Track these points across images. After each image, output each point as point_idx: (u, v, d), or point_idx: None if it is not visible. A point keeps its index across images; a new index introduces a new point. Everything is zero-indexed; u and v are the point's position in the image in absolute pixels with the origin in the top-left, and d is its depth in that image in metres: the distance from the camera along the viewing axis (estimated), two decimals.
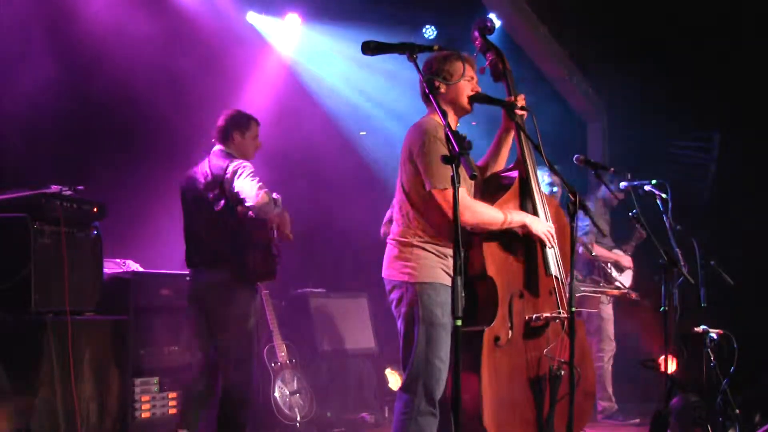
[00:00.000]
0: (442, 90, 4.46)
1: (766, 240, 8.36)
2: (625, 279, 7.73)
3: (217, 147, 5.68)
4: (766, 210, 8.34)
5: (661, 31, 8.79)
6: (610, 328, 7.77)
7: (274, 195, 5.42)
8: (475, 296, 4.51)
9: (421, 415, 4.24)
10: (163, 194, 6.42)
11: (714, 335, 6.20)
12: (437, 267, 4.30)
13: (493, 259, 4.49)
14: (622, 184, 6.72)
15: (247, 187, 5.32)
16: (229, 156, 5.58)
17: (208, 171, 5.53)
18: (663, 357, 5.83)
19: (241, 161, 5.51)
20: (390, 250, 4.44)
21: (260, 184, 5.34)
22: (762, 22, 8.08)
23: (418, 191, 4.33)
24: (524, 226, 4.48)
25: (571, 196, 4.31)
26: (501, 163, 4.85)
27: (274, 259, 5.62)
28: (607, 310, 7.74)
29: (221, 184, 5.43)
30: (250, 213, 5.39)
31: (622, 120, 10.10)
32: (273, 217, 5.46)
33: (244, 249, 5.43)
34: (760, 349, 7.32)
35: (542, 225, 4.54)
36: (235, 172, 5.40)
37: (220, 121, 5.72)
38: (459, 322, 3.38)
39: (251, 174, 5.39)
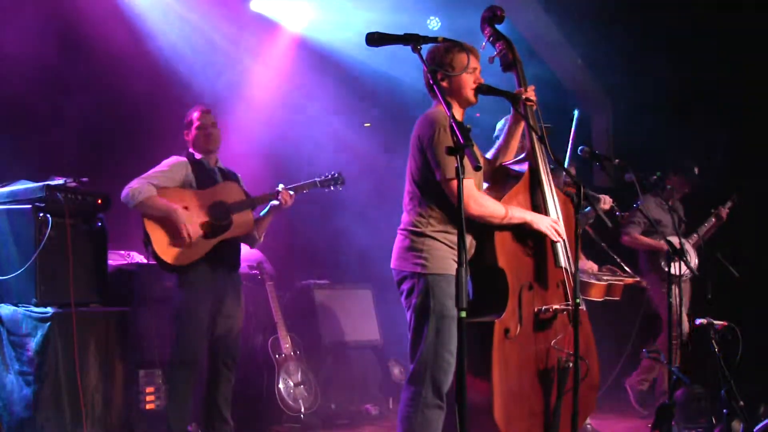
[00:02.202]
0: (445, 83, 4.46)
1: None
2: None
3: None
4: None
5: (666, 22, 8.76)
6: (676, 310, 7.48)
7: (134, 186, 5.44)
8: (486, 288, 4.51)
9: (428, 407, 4.24)
10: None
11: (719, 327, 6.18)
12: (449, 258, 4.30)
13: (504, 251, 4.49)
14: (627, 176, 6.70)
15: None
16: (181, 154, 5.80)
17: None
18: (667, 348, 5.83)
19: (167, 159, 5.72)
20: (401, 241, 4.43)
21: (135, 179, 5.49)
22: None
23: (428, 180, 4.33)
24: (527, 224, 4.48)
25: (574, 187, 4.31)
26: (511, 155, 4.86)
27: (201, 238, 5.58)
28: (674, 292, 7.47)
29: None
30: None
31: (626, 112, 10.07)
32: (137, 208, 5.45)
33: (146, 238, 5.48)
34: (765, 341, 7.31)
35: (546, 221, 4.54)
36: None
37: None
38: (463, 314, 3.37)
39: (150, 171, 5.60)
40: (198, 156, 5.78)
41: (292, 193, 5.90)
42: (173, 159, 5.70)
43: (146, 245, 5.48)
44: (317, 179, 6.17)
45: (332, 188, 6.24)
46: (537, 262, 4.63)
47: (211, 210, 5.63)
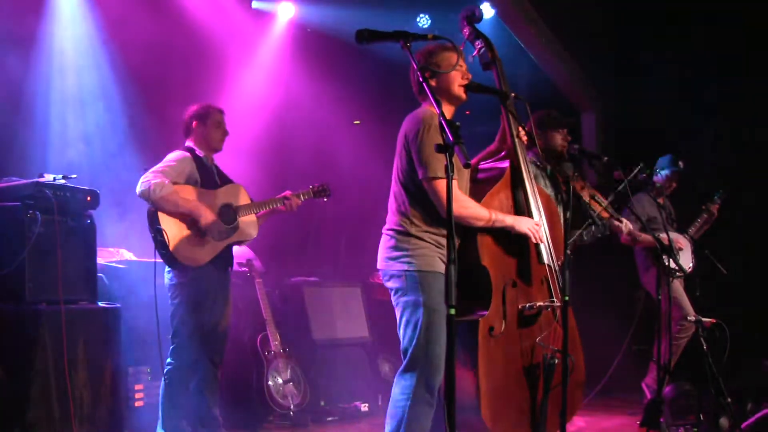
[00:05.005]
0: (434, 81, 4.46)
1: (760, 229, 8.37)
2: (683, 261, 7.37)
3: (186, 143, 5.83)
4: (761, 199, 8.35)
5: (655, 19, 8.79)
6: (684, 304, 7.35)
7: (155, 181, 5.38)
8: (470, 286, 4.52)
9: (418, 402, 4.24)
10: None
11: (707, 324, 6.21)
12: (435, 256, 4.31)
13: (488, 249, 4.51)
14: (616, 174, 6.71)
15: None
16: (184, 149, 5.73)
17: None
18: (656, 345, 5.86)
19: (172, 153, 5.64)
20: (386, 241, 4.43)
21: (153, 169, 5.45)
22: (762, 8, 8.07)
23: (414, 180, 4.34)
24: (508, 227, 4.49)
25: (563, 186, 4.34)
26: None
27: (213, 240, 5.59)
28: (675, 286, 7.32)
29: None
30: None
31: (616, 109, 10.09)
32: (156, 203, 5.41)
33: (160, 234, 5.44)
34: (753, 338, 7.35)
35: (527, 223, 4.55)
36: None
37: (183, 117, 5.87)
38: (453, 311, 3.38)
39: (162, 163, 5.53)
40: (199, 153, 5.76)
41: (300, 200, 5.96)
42: (179, 154, 5.66)
43: (159, 241, 5.45)
44: (312, 188, 6.18)
45: (323, 199, 6.27)
46: (520, 260, 4.64)
47: (221, 212, 5.66)
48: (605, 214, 6.08)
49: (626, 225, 6.39)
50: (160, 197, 5.38)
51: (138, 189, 5.40)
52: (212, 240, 5.57)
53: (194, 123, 5.78)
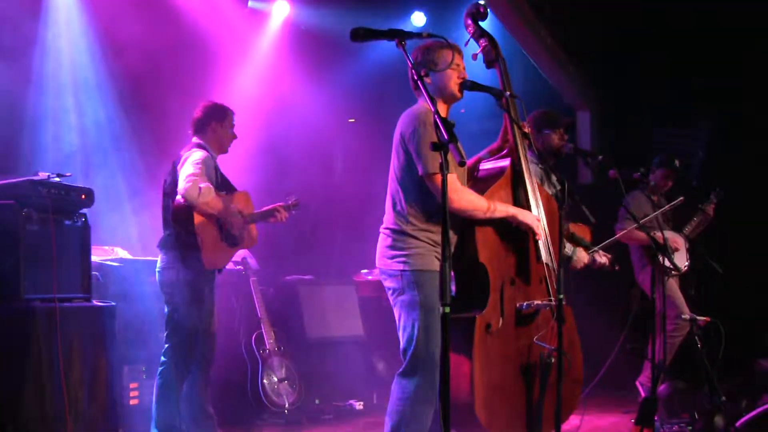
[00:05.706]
0: (429, 79, 4.46)
1: (757, 228, 8.38)
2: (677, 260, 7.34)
3: (194, 139, 5.77)
4: (757, 198, 8.36)
5: (652, 19, 8.80)
6: (679, 302, 7.36)
7: (202, 185, 5.39)
8: (469, 283, 4.52)
9: (418, 402, 4.24)
10: (152, 181, 6.43)
11: (701, 323, 6.22)
12: (431, 255, 4.31)
13: (486, 246, 4.50)
14: (611, 173, 6.71)
15: (182, 174, 5.42)
16: (198, 146, 5.68)
17: (177, 159, 5.64)
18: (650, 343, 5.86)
19: (194, 151, 5.59)
20: (383, 240, 4.44)
21: (194, 171, 5.41)
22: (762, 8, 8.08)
23: (411, 177, 4.35)
24: (510, 217, 4.50)
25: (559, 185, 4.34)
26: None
27: (227, 246, 5.63)
28: (671, 285, 7.34)
29: (174, 171, 5.55)
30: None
31: (611, 108, 10.09)
32: (200, 206, 5.42)
33: (193, 236, 5.46)
34: (747, 336, 7.35)
35: (529, 216, 4.55)
36: (184, 160, 5.52)
37: (197, 113, 5.80)
38: (447, 309, 3.38)
39: (194, 162, 5.47)
40: (212, 152, 5.76)
41: (286, 213, 5.99)
42: (202, 154, 5.61)
43: (189, 242, 5.45)
44: (289, 198, 6.20)
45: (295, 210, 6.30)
46: (519, 258, 4.64)
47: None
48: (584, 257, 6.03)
49: (600, 257, 6.36)
50: (206, 201, 5.42)
51: (186, 191, 5.33)
52: (226, 246, 5.63)
53: (213, 122, 5.76)
